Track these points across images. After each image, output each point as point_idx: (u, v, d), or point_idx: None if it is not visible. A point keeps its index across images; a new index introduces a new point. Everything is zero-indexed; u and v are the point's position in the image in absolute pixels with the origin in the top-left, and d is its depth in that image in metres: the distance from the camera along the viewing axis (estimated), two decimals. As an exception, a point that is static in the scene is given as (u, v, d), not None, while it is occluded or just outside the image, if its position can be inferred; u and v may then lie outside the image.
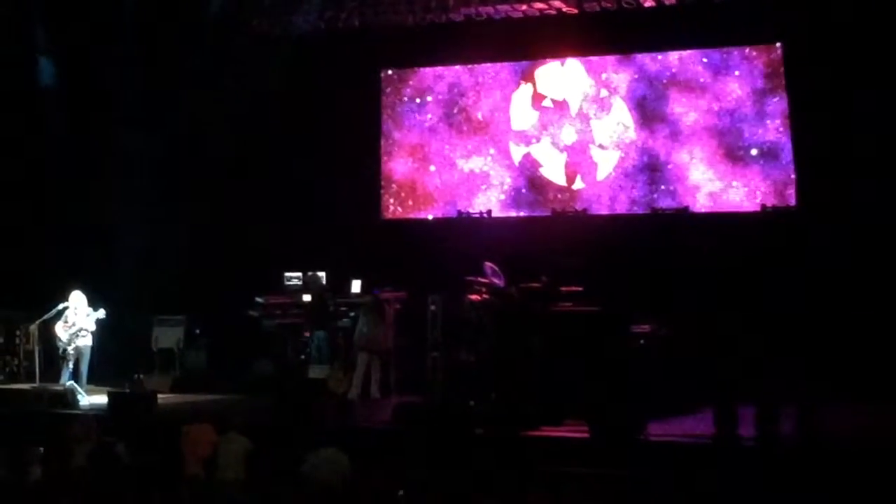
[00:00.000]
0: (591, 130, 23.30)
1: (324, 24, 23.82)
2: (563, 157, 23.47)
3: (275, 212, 23.68)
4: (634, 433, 14.84)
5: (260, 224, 23.40)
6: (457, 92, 24.46)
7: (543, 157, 23.63)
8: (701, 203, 22.34)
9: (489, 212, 23.50)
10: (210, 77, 23.24)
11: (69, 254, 22.69)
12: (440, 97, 24.56)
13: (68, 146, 23.70)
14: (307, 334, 21.90)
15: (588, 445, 14.90)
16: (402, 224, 24.45)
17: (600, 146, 23.18)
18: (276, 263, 22.93)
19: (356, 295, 21.82)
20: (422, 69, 24.86)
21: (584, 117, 23.37)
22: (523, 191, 23.75)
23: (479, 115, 24.21)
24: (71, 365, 20.09)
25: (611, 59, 23.45)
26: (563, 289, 18.84)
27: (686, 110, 22.64)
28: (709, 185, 22.34)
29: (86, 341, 20.13)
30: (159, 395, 18.98)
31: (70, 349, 20.06)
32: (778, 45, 22.07)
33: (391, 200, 24.73)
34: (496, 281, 19.74)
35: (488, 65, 24.30)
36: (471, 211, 23.60)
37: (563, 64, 23.74)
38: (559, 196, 23.47)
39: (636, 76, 23.09)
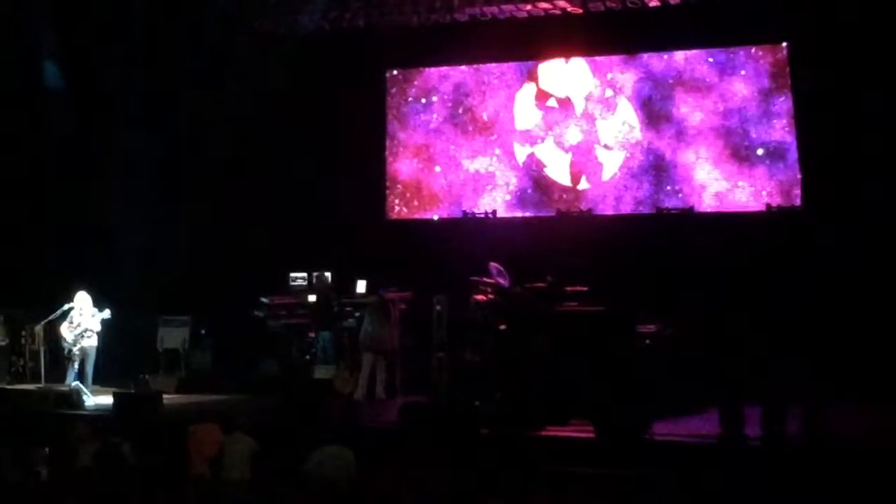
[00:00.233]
0: (596, 131, 23.28)
1: (328, 24, 23.82)
2: (568, 157, 23.46)
3: (280, 212, 23.70)
4: (639, 433, 14.83)
5: (265, 224, 23.41)
6: (462, 92, 24.45)
7: (548, 157, 23.62)
8: (707, 203, 22.30)
9: (494, 212, 23.50)
10: (214, 77, 23.23)
11: (74, 254, 22.69)
12: (445, 97, 24.55)
13: (72, 147, 23.69)
14: (312, 335, 21.89)
15: (593, 445, 14.90)
16: (407, 224, 24.44)
17: (605, 146, 23.16)
18: (281, 264, 22.94)
19: (361, 295, 21.81)
20: (427, 69, 24.86)
21: (589, 117, 23.35)
22: (529, 191, 23.74)
23: (485, 116, 24.20)
24: (76, 365, 20.09)
25: (616, 59, 23.44)
26: (569, 289, 18.84)
27: (692, 110, 22.62)
28: (715, 185, 22.32)
29: (91, 342, 20.12)
30: (165, 396, 19.01)
31: (75, 350, 20.05)
32: (784, 45, 22.03)
33: (396, 201, 24.72)
34: (501, 281, 19.74)
35: (493, 65, 24.30)
36: (476, 211, 23.59)
37: (566, 61, 23.73)
38: (564, 196, 23.45)
39: (642, 76, 23.08)
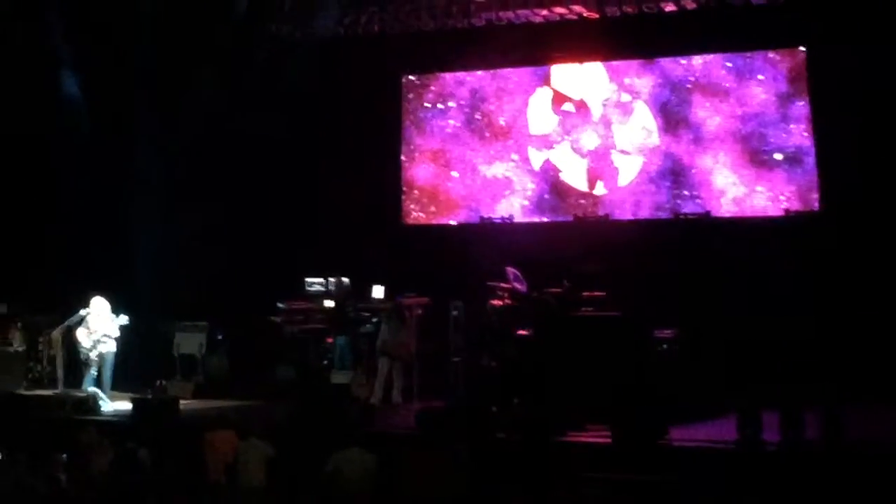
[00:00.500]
0: (612, 136, 23.22)
1: (344, 30, 23.83)
2: (585, 162, 23.41)
3: (297, 217, 23.71)
4: (656, 438, 14.81)
5: (282, 229, 23.42)
6: (479, 97, 24.42)
7: (563, 162, 23.57)
8: (725, 208, 22.22)
9: (511, 217, 23.47)
10: (230, 82, 23.23)
11: (91, 260, 22.70)
12: (462, 102, 24.53)
13: (90, 153, 23.71)
14: (330, 340, 21.88)
15: (610, 450, 14.85)
16: (424, 230, 24.43)
17: (622, 151, 23.10)
18: (298, 269, 22.89)
19: (378, 300, 21.77)
20: (443, 74, 24.84)
21: (606, 122, 23.30)
22: (546, 196, 23.69)
23: (502, 121, 24.16)
24: (94, 371, 20.11)
25: (633, 64, 23.35)
26: (585, 294, 18.86)
27: (710, 115, 22.52)
28: (733, 189, 22.22)
29: (108, 347, 20.13)
30: (182, 401, 19.04)
31: (93, 355, 20.06)
32: (801, 49, 21.95)
33: (413, 206, 24.71)
34: (518, 286, 19.77)
35: (510, 70, 24.26)
36: (493, 216, 23.58)
37: (581, 63, 23.68)
38: (582, 201, 23.39)
39: (659, 81, 22.99)
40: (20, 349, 22.39)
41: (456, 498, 13.22)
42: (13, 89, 23.32)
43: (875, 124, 20.21)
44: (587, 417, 15.97)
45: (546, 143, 23.72)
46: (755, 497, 13.34)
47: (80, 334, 20.14)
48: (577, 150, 23.47)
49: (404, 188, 24.79)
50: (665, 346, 17.62)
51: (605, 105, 23.34)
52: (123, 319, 20.12)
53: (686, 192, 22.60)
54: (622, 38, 22.79)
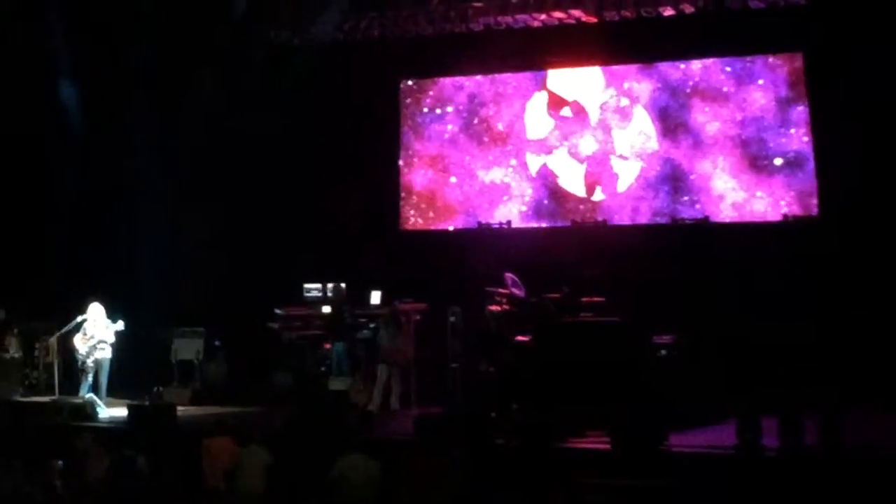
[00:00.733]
0: (612, 141, 23.17)
1: (343, 35, 23.80)
2: (583, 167, 23.36)
3: (294, 223, 23.68)
4: (656, 444, 14.77)
5: (279, 235, 23.40)
6: (477, 102, 24.38)
7: (561, 167, 23.53)
8: (725, 213, 22.18)
9: (509, 222, 23.44)
10: (227, 88, 23.21)
11: (88, 266, 22.68)
12: (460, 107, 24.49)
13: (87, 158, 23.69)
14: (328, 346, 21.85)
15: (610, 456, 14.82)
16: (422, 235, 24.39)
17: (621, 157, 23.06)
18: (296, 275, 22.87)
19: (376, 306, 21.74)
20: (441, 79, 24.80)
21: (605, 127, 23.25)
22: (544, 202, 23.64)
23: (500, 126, 24.12)
24: (90, 377, 20.11)
25: (632, 68, 23.32)
26: (584, 299, 18.84)
27: (709, 119, 22.47)
28: (732, 195, 22.18)
29: (105, 353, 20.11)
30: (179, 407, 19.02)
31: (89, 361, 20.06)
32: (799, 53, 21.93)
33: (411, 212, 24.67)
34: (516, 292, 19.75)
35: (509, 74, 24.22)
36: (491, 222, 23.54)
37: (579, 68, 23.66)
38: (580, 207, 23.36)
39: (658, 85, 22.95)
40: (17, 356, 22.34)
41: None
42: (11, 92, 23.30)
43: (874, 129, 20.18)
44: (586, 423, 15.95)
45: (543, 148, 23.68)
46: (755, 502, 13.31)
47: (77, 340, 20.12)
48: (574, 156, 23.43)
49: (402, 194, 24.75)
50: (664, 351, 17.58)
51: (603, 109, 23.30)
52: (120, 325, 20.10)
53: (685, 198, 22.56)
54: (621, 42, 22.75)
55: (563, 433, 15.78)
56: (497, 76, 24.30)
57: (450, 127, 24.55)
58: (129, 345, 20.99)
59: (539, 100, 23.83)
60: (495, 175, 24.04)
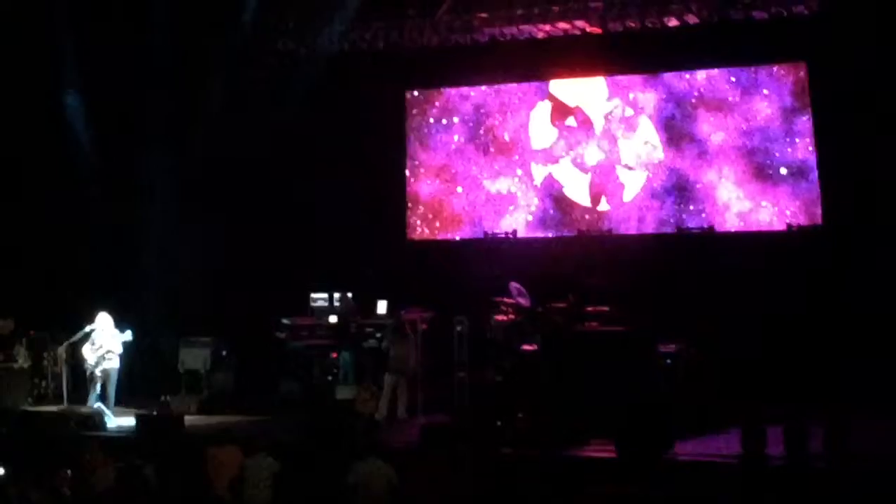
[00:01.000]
0: (618, 150, 23.21)
1: (349, 46, 23.85)
2: (587, 177, 23.40)
3: (301, 233, 23.69)
4: (661, 452, 14.78)
5: (286, 245, 23.42)
6: (483, 112, 24.43)
7: (565, 177, 23.57)
8: (730, 223, 22.20)
9: (514, 232, 23.49)
10: (234, 99, 23.25)
11: (96, 277, 22.73)
12: (466, 118, 24.54)
13: (96, 171, 23.76)
14: (335, 355, 21.88)
15: (615, 465, 14.84)
16: (428, 245, 24.43)
17: (627, 166, 23.09)
18: (303, 285, 22.90)
19: (382, 316, 21.78)
20: (447, 90, 24.86)
21: (610, 137, 23.29)
22: (550, 212, 23.67)
23: (506, 136, 24.17)
24: (98, 387, 20.10)
25: (637, 79, 23.36)
26: (590, 309, 18.89)
27: (714, 129, 22.52)
28: (738, 204, 22.22)
29: (113, 363, 20.13)
30: (186, 417, 19.02)
31: (97, 371, 20.07)
32: (803, 63, 21.96)
33: (418, 222, 24.72)
34: (522, 301, 19.81)
35: (514, 85, 24.27)
36: (496, 232, 23.59)
37: (584, 78, 23.72)
38: (587, 217, 23.39)
39: (664, 96, 22.99)
40: (25, 366, 22.33)
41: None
42: (21, 104, 23.36)
43: (878, 138, 20.19)
44: (592, 432, 15.97)
45: (548, 158, 23.73)
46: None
47: (85, 350, 20.15)
48: (579, 166, 23.46)
49: (409, 204, 24.81)
50: (669, 360, 17.63)
51: (608, 119, 23.33)
52: (128, 336, 20.13)
53: (691, 207, 22.59)
54: (625, 53, 22.82)
55: (569, 442, 15.81)
56: (502, 87, 24.37)
57: (456, 137, 24.60)
58: (137, 355, 21.08)
59: (543, 109, 23.89)
60: (501, 185, 24.09)
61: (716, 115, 22.53)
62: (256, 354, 22.68)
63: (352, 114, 24.02)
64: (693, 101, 22.77)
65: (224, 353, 22.47)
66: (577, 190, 23.46)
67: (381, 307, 21.98)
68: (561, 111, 23.72)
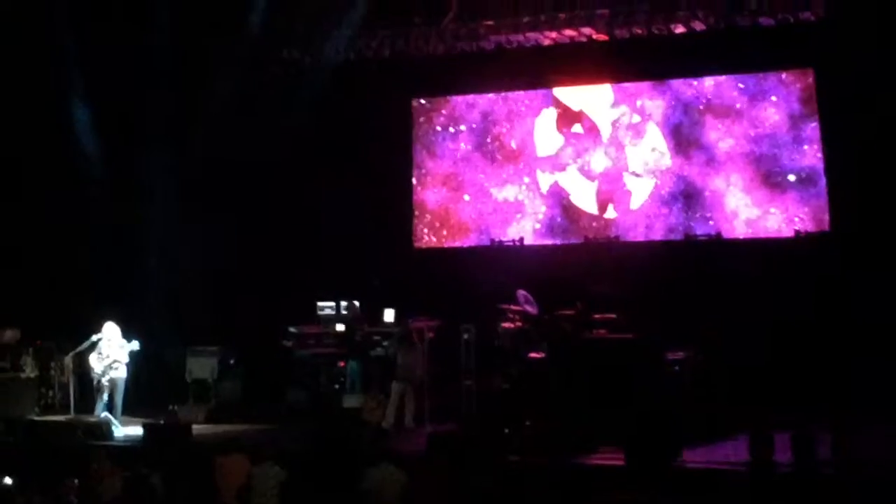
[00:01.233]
0: (625, 158, 23.18)
1: (355, 54, 23.86)
2: (594, 185, 23.36)
3: (307, 241, 23.68)
4: (669, 459, 14.75)
5: (293, 254, 23.42)
6: (490, 120, 24.41)
7: (571, 185, 23.54)
8: (738, 230, 22.16)
9: (521, 240, 23.46)
10: (241, 107, 23.23)
11: (103, 286, 22.72)
12: (473, 126, 24.51)
13: (99, 178, 23.77)
14: (342, 364, 21.87)
15: (623, 472, 14.80)
16: (435, 253, 24.41)
17: (634, 174, 23.05)
18: (310, 293, 22.88)
19: (389, 324, 21.77)
20: (454, 98, 24.83)
21: (617, 144, 23.26)
22: (558, 219, 23.63)
23: (513, 144, 24.15)
24: (105, 396, 20.13)
25: (644, 85, 23.34)
26: (597, 316, 18.86)
27: (722, 136, 22.47)
28: (746, 211, 22.16)
29: (120, 373, 20.16)
30: (194, 426, 18.96)
31: (104, 381, 20.09)
32: (810, 69, 21.93)
33: (425, 230, 24.70)
34: (529, 309, 19.79)
35: (521, 92, 24.26)
36: (503, 239, 23.57)
37: (591, 85, 23.70)
38: (594, 224, 23.33)
39: (672, 103, 22.94)
40: (32, 375, 22.37)
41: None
42: (25, 111, 23.37)
43: (886, 145, 20.16)
44: (600, 439, 15.94)
45: (554, 165, 23.69)
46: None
47: (92, 360, 20.17)
48: (585, 173, 23.42)
49: (416, 212, 24.79)
50: (677, 367, 17.59)
51: (615, 126, 23.30)
52: (135, 345, 20.15)
53: (699, 215, 22.53)
54: (632, 60, 22.80)
55: (576, 449, 15.78)
56: (509, 94, 24.35)
57: (463, 145, 24.58)
58: (144, 364, 21.07)
59: (548, 116, 23.86)
60: (508, 193, 24.07)
61: (723, 122, 22.49)
62: (263, 363, 22.68)
63: (358, 122, 24.04)
64: (701, 107, 22.73)
65: (231, 361, 22.46)
66: (584, 198, 23.43)
67: (389, 315, 21.96)
68: (567, 118, 23.69)
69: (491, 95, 24.52)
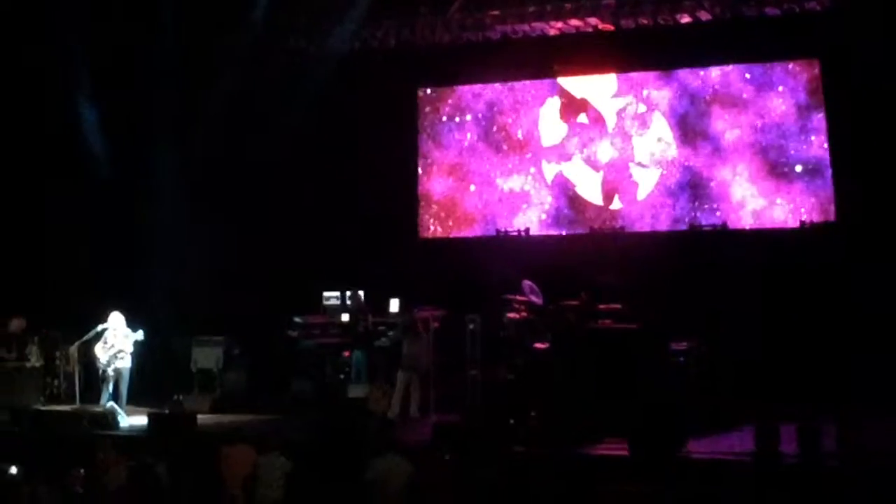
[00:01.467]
0: (631, 148, 23.14)
1: (360, 44, 23.84)
2: (599, 175, 23.34)
3: (313, 231, 23.67)
4: (674, 450, 14.74)
5: (298, 244, 23.40)
6: (495, 110, 24.40)
7: (576, 175, 23.52)
8: (744, 220, 22.13)
9: (527, 230, 23.45)
10: (245, 97, 23.23)
11: (108, 275, 22.72)
12: (479, 115, 24.50)
13: (105, 170, 23.77)
14: (347, 354, 21.87)
15: (628, 463, 14.79)
16: (441, 243, 24.41)
17: (640, 164, 23.02)
18: (315, 283, 22.89)
19: (394, 314, 21.76)
20: (460, 87, 24.82)
21: (623, 134, 23.23)
22: (564, 210, 23.62)
23: (519, 134, 24.13)
24: (111, 386, 20.14)
25: (651, 76, 23.31)
26: (602, 306, 18.85)
27: (729, 126, 22.44)
28: (752, 202, 22.14)
29: (125, 363, 20.16)
30: (199, 416, 18.98)
31: (109, 370, 20.09)
32: (816, 60, 21.88)
33: (431, 220, 24.69)
34: (535, 299, 19.77)
35: (526, 82, 24.23)
36: (509, 230, 23.55)
37: (596, 75, 23.68)
38: (600, 215, 23.32)
39: (678, 93, 22.91)
40: (37, 365, 22.34)
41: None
42: (33, 107, 23.39)
43: (892, 135, 20.13)
44: (605, 430, 15.93)
45: (559, 155, 23.67)
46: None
47: (98, 350, 20.17)
48: (591, 164, 23.40)
49: (421, 202, 24.79)
50: (682, 358, 17.58)
51: (621, 116, 23.27)
52: (140, 335, 20.15)
53: (705, 205, 22.51)
54: (638, 50, 22.77)
55: (581, 440, 15.77)
56: (515, 84, 24.33)
57: (468, 135, 24.57)
58: (150, 354, 21.08)
59: (552, 105, 23.84)
60: (514, 183, 24.05)
61: (730, 112, 22.46)
62: (269, 353, 22.69)
63: (364, 112, 24.01)
64: (707, 97, 22.71)
65: (236, 351, 22.48)
66: (590, 188, 23.41)
67: (394, 305, 21.96)
68: (572, 107, 23.66)
69: (497, 85, 24.51)
